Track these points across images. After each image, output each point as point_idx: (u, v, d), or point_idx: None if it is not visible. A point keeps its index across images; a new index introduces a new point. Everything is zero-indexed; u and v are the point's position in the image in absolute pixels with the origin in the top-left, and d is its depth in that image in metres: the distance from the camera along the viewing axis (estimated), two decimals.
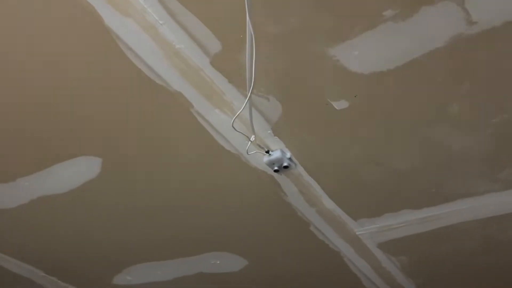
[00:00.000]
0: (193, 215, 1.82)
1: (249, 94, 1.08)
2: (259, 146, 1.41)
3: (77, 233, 1.95)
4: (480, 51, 1.12)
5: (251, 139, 1.30)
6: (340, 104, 1.29)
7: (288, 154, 1.49)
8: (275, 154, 1.46)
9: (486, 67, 1.16)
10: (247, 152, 1.36)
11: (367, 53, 1.15)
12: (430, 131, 1.35)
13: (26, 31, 1.15)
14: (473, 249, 1.87)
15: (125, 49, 1.18)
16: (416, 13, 1.05)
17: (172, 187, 1.67)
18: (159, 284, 2.32)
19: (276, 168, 1.50)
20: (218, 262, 2.14)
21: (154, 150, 1.51)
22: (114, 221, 1.87)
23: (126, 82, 1.28)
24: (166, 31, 1.15)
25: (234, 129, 1.24)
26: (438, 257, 1.97)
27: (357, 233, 1.86)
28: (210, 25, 1.14)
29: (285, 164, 1.48)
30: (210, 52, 1.20)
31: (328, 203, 1.70)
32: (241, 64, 1.18)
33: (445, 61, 1.15)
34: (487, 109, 1.26)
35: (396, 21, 1.07)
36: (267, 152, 1.46)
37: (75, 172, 1.61)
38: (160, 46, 1.18)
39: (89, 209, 1.80)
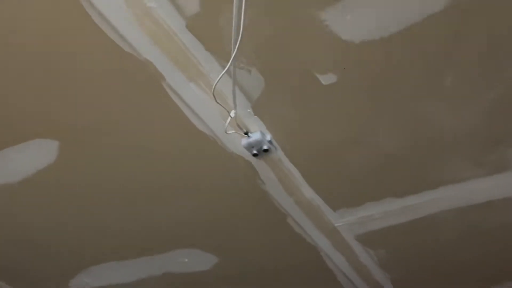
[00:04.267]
0: (159, 207, 1.65)
1: (235, 51, 0.92)
2: (238, 126, 1.28)
3: (28, 230, 1.75)
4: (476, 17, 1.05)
5: (231, 115, 1.16)
6: (327, 78, 1.19)
7: (269, 137, 1.37)
8: (255, 136, 1.34)
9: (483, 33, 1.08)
10: (225, 131, 1.21)
11: (361, 17, 1.05)
12: (421, 107, 1.27)
13: None
14: (452, 240, 1.81)
15: (88, 7, 1.03)
16: None
17: (136, 174, 1.50)
18: (120, 286, 2.14)
19: (255, 152, 1.37)
20: (186, 260, 1.98)
21: (118, 130, 1.34)
22: (68, 215, 1.68)
23: (87, 46, 1.12)
24: None
25: (214, 98, 1.08)
26: (416, 250, 1.90)
27: (335, 224, 1.76)
28: None
29: (265, 147, 1.36)
30: (186, 13, 1.06)
31: (308, 192, 1.59)
32: (221, 29, 1.05)
33: (442, 27, 1.06)
34: (483, 80, 1.18)
35: None
36: (246, 133, 1.33)
37: (29, 158, 1.42)
38: (128, 4, 1.03)
39: (42, 201, 1.60)
